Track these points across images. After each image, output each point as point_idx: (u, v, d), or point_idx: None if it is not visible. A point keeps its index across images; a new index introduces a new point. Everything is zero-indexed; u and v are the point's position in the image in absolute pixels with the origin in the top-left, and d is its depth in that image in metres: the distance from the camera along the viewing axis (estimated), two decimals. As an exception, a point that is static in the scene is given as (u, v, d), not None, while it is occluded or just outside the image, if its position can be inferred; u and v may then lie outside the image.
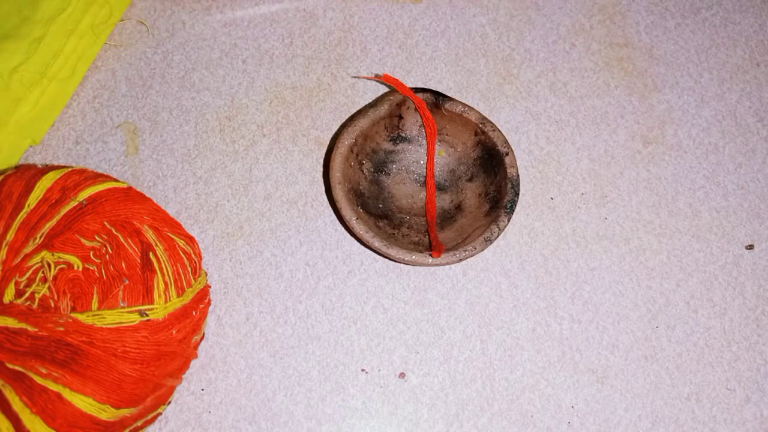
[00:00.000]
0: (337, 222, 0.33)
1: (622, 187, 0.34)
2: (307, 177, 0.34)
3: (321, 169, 0.34)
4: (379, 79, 0.34)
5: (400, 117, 0.32)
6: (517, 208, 0.34)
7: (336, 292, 0.32)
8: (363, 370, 0.31)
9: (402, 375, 0.31)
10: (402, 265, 0.33)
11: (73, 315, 0.25)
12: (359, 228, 0.29)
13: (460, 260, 0.29)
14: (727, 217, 0.34)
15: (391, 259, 0.30)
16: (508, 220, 0.30)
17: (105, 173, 0.30)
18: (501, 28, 0.37)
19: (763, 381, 0.31)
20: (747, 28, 0.38)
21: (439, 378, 0.31)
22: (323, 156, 0.34)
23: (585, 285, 0.33)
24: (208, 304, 0.30)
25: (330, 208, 0.34)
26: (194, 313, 0.28)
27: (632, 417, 0.31)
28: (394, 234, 0.32)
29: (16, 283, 0.26)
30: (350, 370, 0.31)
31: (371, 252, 0.33)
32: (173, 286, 0.27)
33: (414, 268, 0.33)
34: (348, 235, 0.33)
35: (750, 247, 0.34)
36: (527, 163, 0.35)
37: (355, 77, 0.36)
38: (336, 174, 0.30)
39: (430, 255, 0.29)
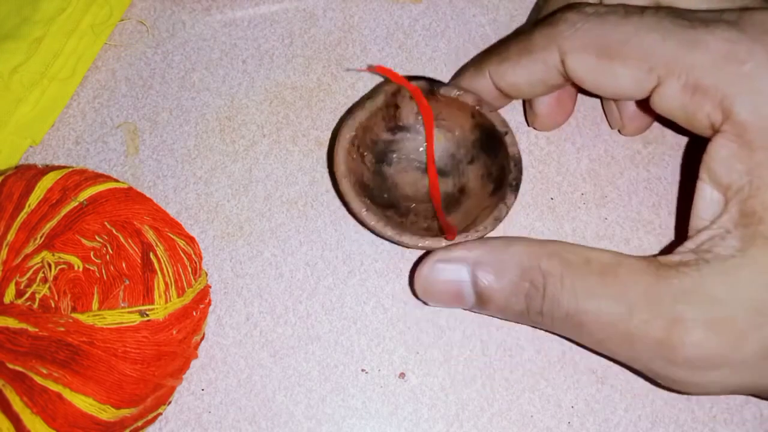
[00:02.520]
0: (337, 222, 0.33)
1: (622, 187, 0.34)
2: (307, 177, 0.34)
3: (321, 169, 0.34)
4: (372, 70, 0.34)
5: (397, 106, 0.32)
6: (518, 209, 0.34)
7: (336, 292, 0.32)
8: (363, 370, 0.31)
9: (402, 375, 0.31)
10: (402, 265, 0.33)
11: (73, 315, 0.25)
12: (370, 219, 0.29)
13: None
14: (726, 217, 0.34)
15: (404, 246, 0.30)
16: (515, 198, 0.30)
17: (105, 173, 0.30)
18: (501, 28, 0.37)
19: (762, 381, 0.31)
20: (747, 28, 0.38)
21: (439, 378, 0.31)
22: (323, 156, 0.34)
23: (585, 285, 0.33)
24: (209, 304, 0.30)
25: (329, 209, 0.34)
26: (194, 313, 0.28)
27: (632, 417, 0.31)
28: (402, 222, 0.31)
29: (17, 284, 0.26)
30: (350, 370, 0.31)
31: (371, 252, 0.33)
32: (174, 287, 0.27)
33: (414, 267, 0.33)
34: (348, 235, 0.33)
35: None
36: (527, 163, 0.35)
37: (348, 70, 0.36)
38: (341, 167, 0.30)
39: (444, 238, 0.29)
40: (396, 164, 0.33)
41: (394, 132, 0.33)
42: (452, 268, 0.28)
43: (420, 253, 0.32)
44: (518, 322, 0.30)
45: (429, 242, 0.29)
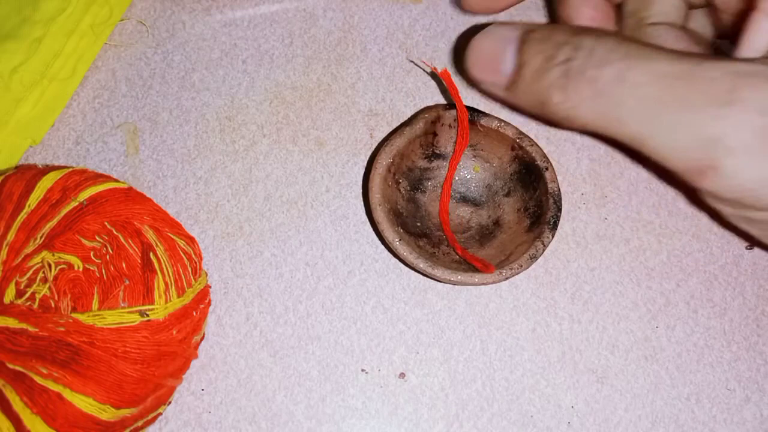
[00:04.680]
0: (337, 222, 0.33)
1: (622, 187, 0.34)
2: (307, 177, 0.34)
3: (321, 169, 0.34)
4: (436, 72, 0.33)
5: (435, 134, 0.32)
6: (517, 208, 0.34)
7: (336, 292, 0.32)
8: (363, 370, 0.31)
9: (402, 375, 0.31)
10: (402, 264, 0.33)
11: (73, 315, 0.25)
12: (403, 250, 0.29)
13: (507, 278, 0.28)
14: (727, 217, 0.34)
15: (436, 279, 0.30)
16: (552, 236, 0.29)
17: (105, 173, 0.30)
18: (501, 28, 0.37)
19: (763, 381, 0.31)
20: (747, 28, 0.38)
21: (439, 378, 0.31)
22: (323, 156, 0.34)
23: (585, 285, 0.33)
24: (209, 304, 0.30)
25: (329, 209, 0.34)
26: (194, 313, 0.28)
27: (632, 417, 0.31)
28: (435, 253, 0.31)
29: (17, 284, 0.26)
30: (350, 370, 0.31)
31: (371, 252, 0.33)
32: (174, 287, 0.27)
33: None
34: (348, 235, 0.33)
35: (750, 247, 0.34)
36: (527, 163, 0.35)
37: (413, 62, 0.35)
38: (376, 195, 0.29)
39: (479, 273, 0.28)
40: (430, 192, 0.33)
41: (431, 159, 0.33)
42: (505, 29, 0.26)
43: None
44: (540, 103, 0.25)
45: (462, 277, 0.28)
